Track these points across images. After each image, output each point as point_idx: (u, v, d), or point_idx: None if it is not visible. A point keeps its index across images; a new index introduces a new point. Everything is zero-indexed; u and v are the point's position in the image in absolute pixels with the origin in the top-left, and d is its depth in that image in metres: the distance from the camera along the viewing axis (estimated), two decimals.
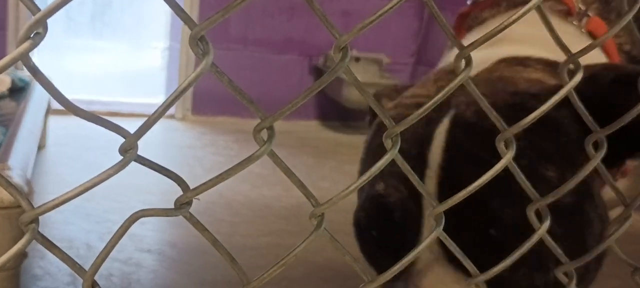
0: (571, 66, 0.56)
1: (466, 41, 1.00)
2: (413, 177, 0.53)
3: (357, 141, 3.63)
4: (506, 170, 0.55)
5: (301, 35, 3.86)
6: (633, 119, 0.72)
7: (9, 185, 0.35)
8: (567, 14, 0.98)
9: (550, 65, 0.82)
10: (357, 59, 3.75)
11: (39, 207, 0.36)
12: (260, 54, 3.83)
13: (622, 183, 0.96)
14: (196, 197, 0.41)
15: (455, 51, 0.99)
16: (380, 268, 0.83)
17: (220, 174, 0.41)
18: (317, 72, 3.91)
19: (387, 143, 0.48)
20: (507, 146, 0.54)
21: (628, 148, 0.75)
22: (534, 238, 0.57)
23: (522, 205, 0.61)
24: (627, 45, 1.01)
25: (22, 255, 1.30)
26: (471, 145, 0.73)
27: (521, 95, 0.76)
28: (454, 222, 0.63)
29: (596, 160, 0.59)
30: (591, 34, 0.97)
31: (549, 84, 0.77)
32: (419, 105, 0.80)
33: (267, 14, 3.78)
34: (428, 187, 0.72)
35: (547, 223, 0.58)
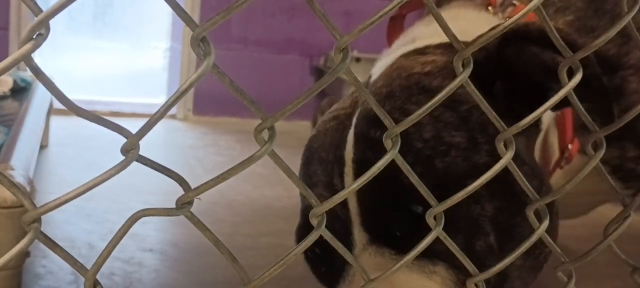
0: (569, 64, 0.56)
1: (410, 33, 1.02)
2: (410, 173, 0.53)
3: None
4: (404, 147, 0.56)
5: (302, 35, 3.86)
6: (530, 72, 0.73)
7: (12, 185, 0.35)
8: (487, 5, 0.98)
9: (448, 47, 0.84)
10: (358, 60, 3.75)
11: (41, 206, 0.36)
12: (260, 54, 3.83)
13: (561, 174, 0.96)
14: (197, 196, 0.41)
15: (381, 59, 1.01)
16: (328, 283, 0.85)
17: (221, 174, 0.41)
18: (318, 72, 3.91)
19: (387, 143, 0.49)
20: (506, 147, 0.55)
21: (530, 107, 0.75)
22: (534, 238, 0.58)
23: (437, 178, 0.65)
24: (613, 49, 1.00)
25: (25, 254, 1.31)
26: (372, 131, 0.75)
27: (415, 76, 0.79)
28: (375, 205, 0.67)
29: (596, 160, 0.59)
30: None
31: (442, 61, 0.79)
32: (335, 118, 0.83)
33: (268, 14, 3.78)
34: (348, 184, 0.74)
35: (546, 223, 0.58)
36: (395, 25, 1.12)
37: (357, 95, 0.85)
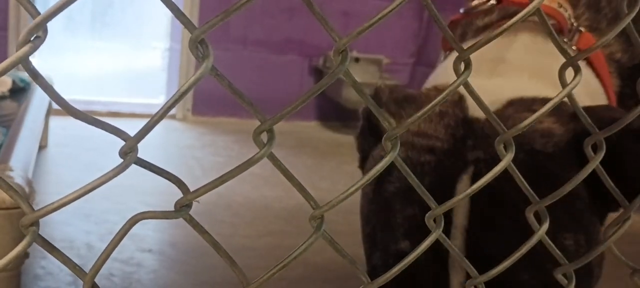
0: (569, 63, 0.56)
1: (482, 61, 1.00)
2: (413, 180, 0.53)
3: None
4: (526, 238, 0.56)
5: (301, 35, 3.86)
6: (629, 170, 0.73)
7: (10, 188, 0.35)
8: (558, 31, 0.95)
9: (560, 111, 0.80)
10: (357, 60, 3.75)
11: (39, 209, 0.36)
12: (260, 55, 3.83)
13: None
14: (196, 199, 0.41)
15: (449, 64, 0.98)
16: None
17: (220, 177, 0.41)
18: (317, 73, 3.91)
19: (387, 145, 0.49)
20: (506, 148, 0.55)
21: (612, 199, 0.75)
22: (534, 240, 0.58)
23: (544, 273, 0.63)
24: (619, 53, 0.99)
25: (24, 256, 1.30)
26: (493, 213, 0.72)
27: (539, 156, 0.75)
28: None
29: (596, 162, 0.59)
30: (588, 61, 0.95)
31: (559, 138, 0.77)
32: (431, 150, 0.78)
33: (267, 15, 3.78)
34: (455, 246, 0.72)
35: (546, 225, 0.58)
36: (452, 30, 1.09)
37: (451, 123, 0.79)
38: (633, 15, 0.53)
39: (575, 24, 0.97)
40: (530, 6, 0.49)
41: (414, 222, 0.75)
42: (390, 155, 0.48)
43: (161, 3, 0.37)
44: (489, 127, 0.78)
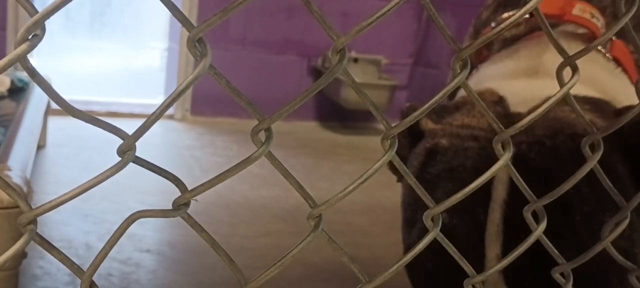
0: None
1: (493, 63, 1.00)
2: (408, 176, 0.53)
3: (356, 142, 3.64)
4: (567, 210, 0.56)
5: (299, 35, 3.86)
6: None
7: (8, 186, 0.35)
8: (590, 39, 0.97)
9: (596, 105, 0.83)
10: (356, 60, 3.75)
11: (37, 208, 0.36)
12: (258, 55, 3.83)
13: None
14: (194, 198, 0.41)
15: (490, 75, 0.97)
16: None
17: (218, 175, 0.41)
18: (316, 73, 3.91)
19: (385, 144, 0.49)
20: (504, 148, 0.55)
21: None
22: (531, 239, 0.58)
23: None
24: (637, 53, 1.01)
25: (21, 255, 1.30)
26: (534, 185, 0.73)
27: (580, 140, 0.76)
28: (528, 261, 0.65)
29: (593, 162, 0.59)
30: (617, 61, 0.97)
31: (601, 127, 0.77)
32: (474, 138, 0.81)
33: (266, 15, 3.78)
34: (492, 219, 0.74)
35: (543, 225, 0.58)
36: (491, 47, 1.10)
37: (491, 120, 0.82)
38: (631, 14, 0.53)
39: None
40: (528, 6, 0.49)
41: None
42: (387, 155, 0.48)
43: (159, 3, 0.37)
44: (536, 126, 0.80)
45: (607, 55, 0.97)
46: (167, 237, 1.97)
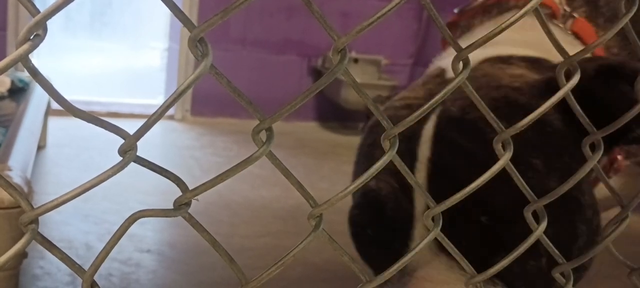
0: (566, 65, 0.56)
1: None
2: (409, 176, 0.53)
3: (356, 142, 3.62)
4: (494, 160, 0.56)
5: (300, 36, 3.86)
6: (615, 108, 0.74)
7: (9, 185, 0.35)
8: (551, 16, 0.99)
9: (533, 62, 0.84)
10: (356, 60, 3.75)
11: (38, 207, 0.36)
12: (258, 55, 3.83)
13: (615, 182, 0.97)
14: (195, 198, 0.41)
15: (446, 56, 1.01)
16: (377, 266, 0.84)
17: (219, 175, 0.41)
18: (316, 73, 3.91)
19: (386, 144, 0.49)
20: (504, 147, 0.55)
21: (611, 139, 0.76)
22: (531, 239, 0.58)
23: (511, 191, 0.63)
24: (615, 48, 1.02)
25: (22, 255, 1.30)
26: (457, 137, 0.75)
27: (504, 89, 0.79)
28: (446, 212, 0.64)
29: (593, 162, 0.59)
30: (576, 35, 0.98)
31: (531, 78, 0.79)
32: (408, 106, 0.84)
33: (266, 15, 3.78)
34: (418, 179, 0.74)
35: (544, 224, 0.58)
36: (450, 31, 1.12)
37: (433, 87, 0.85)
38: (631, 14, 0.53)
39: (568, 10, 0.99)
40: (529, 6, 0.50)
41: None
42: (389, 154, 0.48)
43: (160, 3, 0.37)
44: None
45: (567, 31, 0.98)
46: (167, 237, 1.97)
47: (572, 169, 0.61)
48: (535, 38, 0.88)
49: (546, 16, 0.99)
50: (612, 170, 0.94)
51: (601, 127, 0.74)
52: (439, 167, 0.74)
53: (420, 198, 0.74)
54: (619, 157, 0.94)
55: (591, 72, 0.75)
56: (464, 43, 0.95)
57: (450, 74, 0.87)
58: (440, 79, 0.88)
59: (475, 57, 0.87)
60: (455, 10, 1.12)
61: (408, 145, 0.77)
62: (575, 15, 0.99)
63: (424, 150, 0.76)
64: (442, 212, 0.57)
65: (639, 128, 0.75)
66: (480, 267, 0.61)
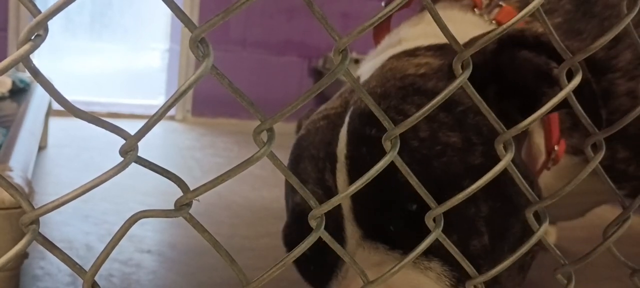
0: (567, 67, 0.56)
1: (396, 34, 1.04)
2: (410, 176, 0.53)
3: None
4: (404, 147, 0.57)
5: (300, 36, 3.86)
6: (522, 76, 0.75)
7: (10, 186, 0.35)
8: (472, 7, 1.00)
9: (439, 49, 0.85)
10: (357, 61, 3.75)
11: (39, 207, 0.36)
12: (259, 56, 3.83)
13: (552, 174, 0.96)
14: (196, 198, 0.41)
15: (368, 59, 1.02)
16: (318, 283, 0.85)
17: (220, 175, 0.41)
18: (317, 74, 3.91)
19: (387, 145, 0.49)
20: (506, 148, 0.55)
21: (520, 110, 0.77)
22: (533, 240, 0.58)
23: (434, 178, 0.65)
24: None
25: (23, 256, 1.30)
26: (367, 129, 0.76)
27: (410, 77, 0.80)
28: (376, 205, 0.69)
29: (595, 162, 0.59)
30: (499, 24, 0.98)
31: (436, 64, 0.80)
32: (325, 117, 0.84)
33: (267, 16, 3.78)
34: (340, 179, 0.75)
35: (545, 225, 0.58)
36: (382, 26, 1.14)
37: (348, 95, 0.86)
38: (633, 14, 0.53)
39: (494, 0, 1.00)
40: (530, 7, 0.49)
41: (304, 175, 0.82)
42: (390, 155, 0.48)
43: (160, 4, 0.37)
44: (370, 78, 0.85)
45: (490, 21, 0.98)
46: (167, 238, 1.96)
47: (492, 142, 0.61)
48: (451, 28, 0.88)
49: (465, 7, 1.00)
50: (550, 161, 0.94)
51: (513, 98, 0.75)
52: (356, 161, 0.75)
53: (345, 199, 0.74)
54: (556, 147, 0.94)
55: (494, 45, 0.76)
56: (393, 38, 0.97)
57: (363, 78, 0.90)
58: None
59: (383, 58, 0.90)
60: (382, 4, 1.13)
61: (327, 149, 0.79)
62: (503, 4, 0.99)
63: (342, 149, 0.77)
64: (365, 200, 0.57)
65: (550, 88, 0.76)
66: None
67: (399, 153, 0.51)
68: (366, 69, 0.95)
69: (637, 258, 0.75)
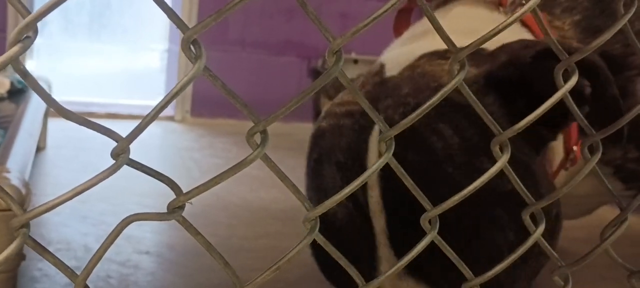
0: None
1: (421, 25, 1.02)
2: (408, 180, 0.52)
3: None
4: (440, 171, 0.56)
5: (299, 37, 3.86)
6: (541, 92, 0.74)
7: (1, 190, 0.35)
8: (498, 4, 0.99)
9: (473, 54, 0.83)
10: (355, 61, 3.75)
11: (29, 211, 0.36)
12: (258, 56, 3.82)
13: (566, 176, 0.96)
14: (189, 201, 0.41)
15: (391, 49, 1.00)
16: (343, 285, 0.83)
17: (214, 178, 0.41)
18: (316, 74, 3.90)
19: (381, 146, 0.48)
20: (502, 150, 0.54)
21: (544, 125, 0.75)
22: (529, 242, 0.57)
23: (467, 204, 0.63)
24: (573, 41, 1.00)
25: (20, 257, 1.30)
26: (404, 150, 0.73)
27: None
28: (400, 223, 0.67)
29: (592, 164, 0.58)
30: (524, 23, 0.97)
31: (470, 73, 0.78)
32: (349, 114, 0.81)
33: (265, 16, 3.77)
34: (373, 197, 0.73)
35: (542, 227, 0.58)
36: (402, 19, 1.12)
37: (369, 88, 0.83)
38: (629, 15, 0.53)
39: None
40: (527, 6, 0.49)
41: (330, 183, 0.78)
42: (385, 156, 0.48)
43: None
44: (400, 79, 0.80)
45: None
46: (166, 239, 1.96)
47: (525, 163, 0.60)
48: (472, 27, 0.86)
49: (492, 4, 1.00)
50: (568, 162, 0.93)
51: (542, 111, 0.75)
52: (390, 182, 0.72)
53: (379, 218, 0.72)
54: (575, 147, 0.93)
55: (529, 59, 0.75)
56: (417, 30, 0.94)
57: (389, 71, 0.85)
58: (379, 77, 0.86)
59: (412, 52, 0.86)
60: None
61: (357, 159, 0.76)
62: (524, 2, 0.99)
63: (373, 162, 0.74)
64: (401, 224, 0.57)
65: (579, 106, 0.75)
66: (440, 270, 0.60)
67: (433, 181, 0.52)
68: (391, 58, 0.91)
69: (636, 258, 0.74)
